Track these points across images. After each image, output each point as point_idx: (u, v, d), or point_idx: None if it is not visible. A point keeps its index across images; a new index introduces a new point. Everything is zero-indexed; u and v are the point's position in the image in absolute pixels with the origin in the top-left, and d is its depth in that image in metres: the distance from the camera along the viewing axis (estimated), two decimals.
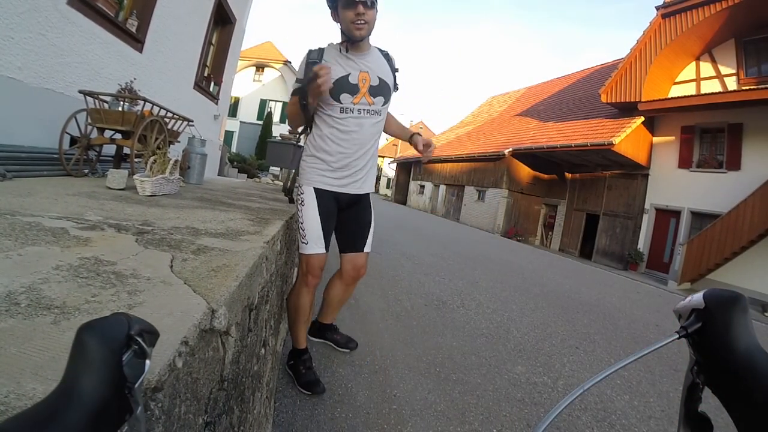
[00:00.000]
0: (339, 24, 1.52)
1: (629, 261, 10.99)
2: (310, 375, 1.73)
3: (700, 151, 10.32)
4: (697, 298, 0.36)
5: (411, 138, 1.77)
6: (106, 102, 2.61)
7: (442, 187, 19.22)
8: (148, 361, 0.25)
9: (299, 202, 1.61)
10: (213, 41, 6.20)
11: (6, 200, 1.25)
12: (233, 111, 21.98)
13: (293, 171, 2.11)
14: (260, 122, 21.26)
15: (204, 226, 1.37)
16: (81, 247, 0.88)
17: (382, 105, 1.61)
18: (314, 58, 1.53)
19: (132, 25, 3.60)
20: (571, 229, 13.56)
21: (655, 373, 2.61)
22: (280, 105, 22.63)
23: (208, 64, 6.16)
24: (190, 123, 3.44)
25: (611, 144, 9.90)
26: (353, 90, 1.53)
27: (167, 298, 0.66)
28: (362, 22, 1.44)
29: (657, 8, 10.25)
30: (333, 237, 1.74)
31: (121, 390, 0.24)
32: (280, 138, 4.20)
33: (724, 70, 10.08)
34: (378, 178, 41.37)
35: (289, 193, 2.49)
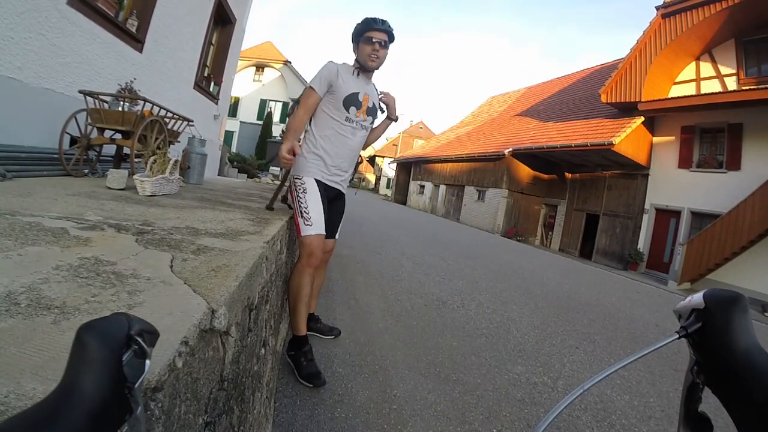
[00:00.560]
0: (357, 54, 1.89)
1: (629, 261, 10.99)
2: (312, 367, 1.78)
3: (700, 151, 10.32)
4: (697, 298, 0.36)
5: (387, 119, 2.11)
6: (106, 102, 2.61)
7: (442, 187, 19.22)
8: (148, 361, 0.25)
9: (301, 190, 1.81)
10: (213, 41, 6.20)
11: (6, 200, 1.25)
12: (233, 111, 21.97)
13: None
14: (260, 122, 21.26)
15: (204, 226, 1.37)
16: (81, 247, 0.88)
17: (370, 123, 1.99)
18: (334, 72, 1.82)
19: (132, 25, 3.60)
20: (571, 229, 13.56)
21: (655, 373, 2.61)
22: (280, 105, 22.62)
23: (208, 64, 6.16)
24: (190, 123, 3.44)
25: (611, 144, 9.90)
26: (359, 106, 1.88)
27: (167, 298, 0.66)
28: (376, 56, 1.83)
29: (657, 8, 10.25)
30: None
31: (121, 390, 0.24)
32: (280, 138, 4.20)
33: (724, 70, 10.08)
34: (378, 179, 41.39)
35: (284, 201, 2.59)
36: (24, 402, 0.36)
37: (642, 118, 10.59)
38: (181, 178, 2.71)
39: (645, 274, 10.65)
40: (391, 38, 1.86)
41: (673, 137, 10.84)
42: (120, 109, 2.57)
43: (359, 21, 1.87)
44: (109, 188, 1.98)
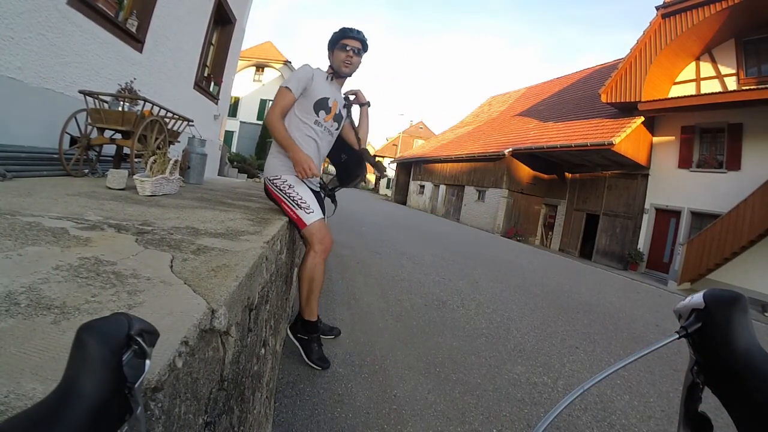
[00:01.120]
0: (331, 61, 1.96)
1: (629, 261, 10.99)
2: (321, 351, 1.91)
3: (700, 151, 10.32)
4: (697, 298, 0.36)
5: (362, 106, 2.15)
6: (106, 102, 2.61)
7: (442, 187, 19.22)
8: (148, 361, 0.25)
9: (286, 186, 1.85)
10: (213, 41, 6.20)
11: (6, 200, 1.25)
12: (233, 111, 21.98)
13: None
14: (260, 122, 21.25)
15: (204, 226, 1.37)
16: (81, 247, 0.88)
17: (336, 129, 2.05)
18: (309, 75, 1.88)
19: (132, 25, 3.60)
20: (571, 229, 13.56)
21: (655, 373, 2.61)
22: None
23: (208, 64, 6.15)
24: (190, 123, 3.43)
25: (611, 144, 9.90)
26: (328, 110, 1.95)
27: (167, 298, 0.66)
28: (349, 63, 1.91)
29: (657, 8, 10.25)
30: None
31: (121, 390, 0.24)
32: None
33: (724, 70, 10.08)
34: (378, 179, 41.38)
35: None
36: (24, 402, 0.36)
37: (642, 118, 10.59)
38: (181, 178, 2.71)
39: (645, 274, 10.65)
40: (365, 47, 1.95)
41: (673, 137, 10.85)
42: (120, 109, 2.56)
43: (336, 30, 1.95)
44: (109, 188, 1.98)
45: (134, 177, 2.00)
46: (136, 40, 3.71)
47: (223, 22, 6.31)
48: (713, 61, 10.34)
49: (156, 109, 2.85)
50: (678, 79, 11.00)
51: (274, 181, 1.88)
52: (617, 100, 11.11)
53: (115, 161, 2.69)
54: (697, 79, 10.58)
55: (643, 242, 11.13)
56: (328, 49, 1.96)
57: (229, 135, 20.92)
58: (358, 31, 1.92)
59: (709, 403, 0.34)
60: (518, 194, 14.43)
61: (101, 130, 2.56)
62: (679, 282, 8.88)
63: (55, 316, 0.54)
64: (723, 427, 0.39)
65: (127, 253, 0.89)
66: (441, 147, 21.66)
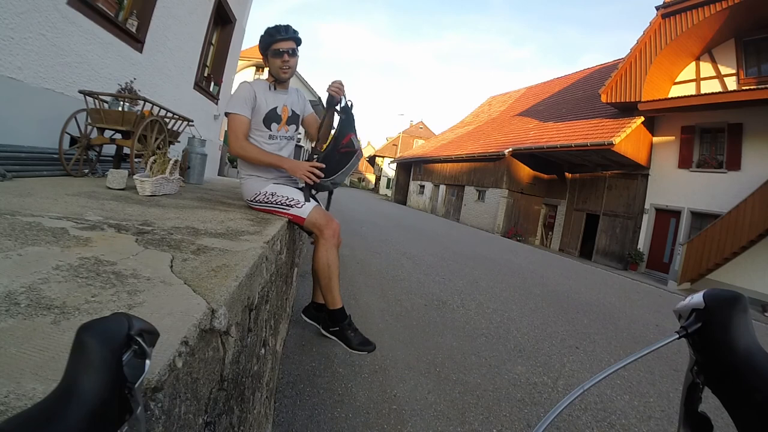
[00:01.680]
0: (269, 68, 1.90)
1: (629, 261, 10.99)
2: (360, 336, 1.83)
3: (700, 151, 10.32)
4: (697, 298, 0.36)
5: (327, 113, 2.00)
6: (106, 102, 2.61)
7: (442, 187, 19.22)
8: (148, 361, 0.25)
9: (267, 199, 1.85)
10: (213, 41, 6.20)
11: (6, 200, 1.25)
12: None
13: None
14: None
15: (204, 226, 1.37)
16: (81, 247, 0.88)
17: (295, 131, 2.04)
18: (251, 94, 1.85)
19: (132, 25, 3.60)
20: (571, 229, 13.56)
21: (655, 373, 2.61)
22: None
23: (208, 64, 6.15)
24: (190, 123, 3.43)
25: (611, 144, 9.90)
26: (279, 120, 1.93)
27: (167, 298, 0.66)
28: (287, 67, 1.86)
29: (657, 8, 10.25)
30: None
31: (121, 390, 0.24)
32: None
33: (724, 70, 10.08)
34: (378, 179, 41.39)
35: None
36: (24, 402, 0.36)
37: (642, 118, 10.58)
38: (181, 178, 2.71)
39: (645, 274, 10.65)
40: (298, 42, 1.87)
41: (673, 137, 10.84)
42: (120, 109, 2.56)
43: (263, 33, 1.85)
44: (109, 188, 1.98)
45: (134, 177, 2.00)
46: (136, 40, 3.71)
47: (223, 22, 6.30)
48: (713, 61, 10.34)
49: (156, 109, 2.85)
50: (678, 79, 11.00)
51: (256, 199, 1.89)
52: (617, 100, 11.10)
53: (115, 161, 2.69)
54: (697, 79, 10.57)
55: (643, 242, 11.13)
56: (263, 56, 1.91)
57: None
58: (285, 28, 1.83)
59: (709, 403, 0.34)
60: (518, 194, 14.43)
61: (101, 130, 2.56)
62: (679, 282, 8.88)
63: (55, 316, 0.54)
64: (723, 427, 0.39)
65: (127, 253, 0.89)
66: (441, 147, 21.66)
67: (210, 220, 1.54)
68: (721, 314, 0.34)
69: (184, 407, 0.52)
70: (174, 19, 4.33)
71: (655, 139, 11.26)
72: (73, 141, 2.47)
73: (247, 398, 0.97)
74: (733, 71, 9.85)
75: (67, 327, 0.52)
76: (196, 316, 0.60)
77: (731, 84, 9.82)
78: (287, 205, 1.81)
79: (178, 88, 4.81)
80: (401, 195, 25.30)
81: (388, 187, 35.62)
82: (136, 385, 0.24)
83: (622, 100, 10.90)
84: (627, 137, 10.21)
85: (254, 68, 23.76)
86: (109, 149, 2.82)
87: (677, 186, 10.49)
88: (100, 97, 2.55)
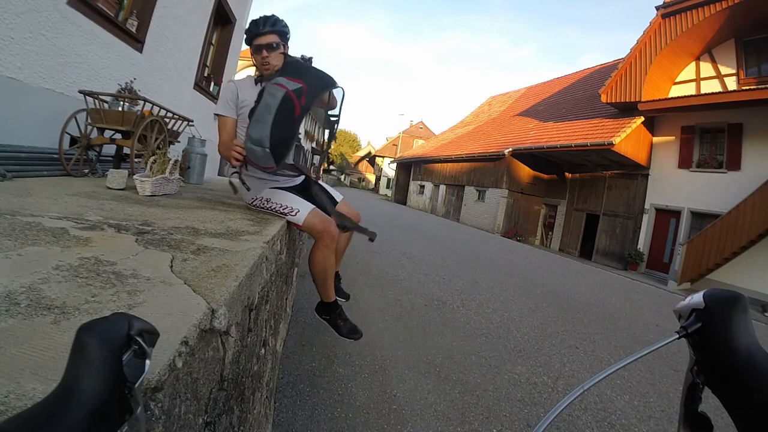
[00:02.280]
0: (254, 63, 1.84)
1: (629, 261, 10.99)
2: (350, 324, 1.85)
3: (700, 151, 10.32)
4: (697, 298, 0.36)
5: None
6: (106, 102, 2.61)
7: (442, 187, 19.22)
8: (148, 361, 0.25)
9: (263, 205, 1.83)
10: (213, 41, 6.20)
11: (6, 200, 1.25)
12: None
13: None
14: None
15: (204, 226, 1.37)
16: (81, 247, 0.88)
17: None
18: (234, 93, 1.82)
19: (132, 25, 3.60)
20: (571, 229, 13.56)
21: (655, 373, 2.61)
22: None
23: (208, 64, 6.16)
24: (190, 123, 3.43)
25: (611, 144, 9.91)
26: None
27: (167, 298, 0.66)
28: (266, 63, 1.77)
29: (657, 8, 10.25)
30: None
31: (121, 390, 0.24)
32: None
33: (724, 70, 10.08)
34: (378, 179, 41.41)
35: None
36: (24, 402, 0.36)
37: (642, 118, 10.59)
38: (181, 178, 2.71)
39: (645, 274, 10.65)
40: (283, 35, 1.78)
41: (673, 137, 10.84)
42: (120, 109, 2.56)
43: (246, 28, 1.80)
44: (109, 188, 1.98)
45: (134, 177, 2.00)
46: (136, 40, 3.71)
47: (223, 22, 6.31)
48: (713, 61, 10.34)
49: (156, 109, 2.85)
50: (678, 79, 11.00)
51: (254, 203, 1.90)
52: (617, 100, 11.11)
53: (115, 161, 2.69)
54: (697, 79, 10.58)
55: (643, 242, 11.13)
56: (250, 52, 1.88)
57: None
58: (264, 21, 1.76)
59: (709, 403, 0.34)
60: (518, 194, 14.43)
61: (101, 130, 2.56)
62: (679, 282, 8.88)
63: (55, 316, 0.54)
64: (723, 427, 0.39)
65: (127, 253, 0.88)
66: (441, 147, 21.66)
67: (210, 220, 1.54)
68: (721, 314, 0.34)
69: (184, 407, 0.52)
70: (174, 19, 4.33)
71: (655, 139, 11.27)
72: (73, 141, 2.47)
73: (247, 398, 0.97)
74: (733, 71, 9.85)
75: (67, 327, 0.52)
76: (196, 316, 0.60)
77: (731, 84, 9.82)
78: (281, 213, 1.81)
79: (178, 88, 4.81)
80: (401, 195, 25.30)
81: (388, 187, 35.62)
82: (136, 385, 0.24)
83: (622, 100, 10.90)
84: (627, 137, 10.21)
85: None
86: (109, 149, 2.82)
87: (677, 186, 10.50)
88: (100, 97, 2.55)
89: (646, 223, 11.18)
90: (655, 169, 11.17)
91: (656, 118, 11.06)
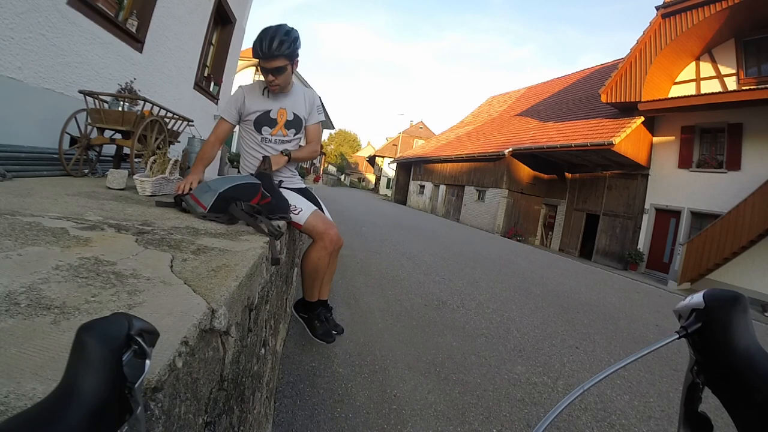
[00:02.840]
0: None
1: (629, 261, 10.99)
2: (326, 327, 1.91)
3: (700, 151, 10.32)
4: (697, 298, 0.36)
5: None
6: (106, 102, 2.61)
7: (442, 187, 19.22)
8: (148, 361, 0.25)
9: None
10: (213, 41, 6.21)
11: (6, 200, 1.25)
12: None
13: None
14: None
15: (204, 226, 1.37)
16: (81, 247, 0.88)
17: (294, 135, 1.94)
18: (240, 99, 1.83)
19: (132, 25, 3.60)
20: (571, 229, 13.56)
21: (655, 373, 2.61)
22: None
23: (208, 64, 6.16)
24: (190, 123, 3.43)
25: (611, 144, 9.90)
26: (272, 124, 1.86)
27: (167, 298, 0.66)
28: (275, 85, 1.77)
29: (657, 8, 10.25)
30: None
31: (121, 390, 0.24)
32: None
33: (724, 70, 10.08)
34: (378, 179, 41.42)
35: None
36: (24, 402, 0.36)
37: (642, 118, 10.58)
38: (181, 178, 2.70)
39: (645, 274, 10.65)
40: (290, 56, 1.70)
41: (673, 137, 10.84)
42: (120, 109, 2.56)
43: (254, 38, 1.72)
44: (109, 188, 1.98)
45: (134, 177, 2.00)
46: (136, 40, 3.71)
47: (223, 22, 6.31)
48: (713, 61, 10.34)
49: (156, 109, 2.85)
50: (678, 79, 11.00)
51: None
52: (617, 100, 11.11)
53: (115, 161, 2.69)
54: (697, 79, 10.57)
55: (643, 242, 11.13)
56: None
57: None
58: (270, 42, 1.64)
59: (709, 403, 0.34)
60: (518, 194, 14.43)
61: (101, 130, 2.56)
62: (679, 282, 8.88)
63: (55, 316, 0.54)
64: (723, 427, 0.39)
65: (127, 253, 0.88)
66: (441, 147, 21.66)
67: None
68: (721, 314, 0.34)
69: (184, 407, 0.52)
70: (174, 19, 4.33)
71: (655, 139, 11.27)
72: (73, 141, 2.47)
73: (247, 398, 0.97)
74: (733, 71, 9.85)
75: (67, 327, 0.52)
76: (196, 316, 0.60)
77: (731, 84, 9.82)
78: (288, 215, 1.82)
79: (178, 88, 4.81)
80: (401, 195, 25.30)
81: (388, 187, 35.63)
82: (136, 385, 0.24)
83: (622, 100, 10.90)
84: (627, 137, 10.21)
85: (254, 68, 23.77)
86: (109, 149, 2.82)
87: (677, 186, 10.50)
88: (100, 97, 2.55)
89: (646, 223, 11.18)
90: (655, 169, 11.17)
91: (656, 118, 11.06)
